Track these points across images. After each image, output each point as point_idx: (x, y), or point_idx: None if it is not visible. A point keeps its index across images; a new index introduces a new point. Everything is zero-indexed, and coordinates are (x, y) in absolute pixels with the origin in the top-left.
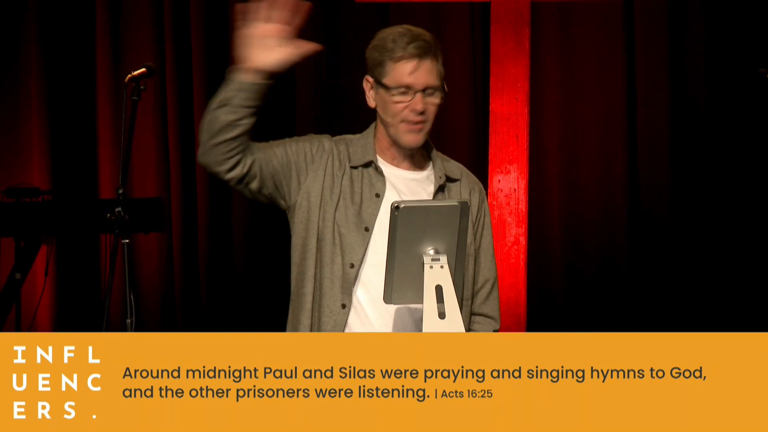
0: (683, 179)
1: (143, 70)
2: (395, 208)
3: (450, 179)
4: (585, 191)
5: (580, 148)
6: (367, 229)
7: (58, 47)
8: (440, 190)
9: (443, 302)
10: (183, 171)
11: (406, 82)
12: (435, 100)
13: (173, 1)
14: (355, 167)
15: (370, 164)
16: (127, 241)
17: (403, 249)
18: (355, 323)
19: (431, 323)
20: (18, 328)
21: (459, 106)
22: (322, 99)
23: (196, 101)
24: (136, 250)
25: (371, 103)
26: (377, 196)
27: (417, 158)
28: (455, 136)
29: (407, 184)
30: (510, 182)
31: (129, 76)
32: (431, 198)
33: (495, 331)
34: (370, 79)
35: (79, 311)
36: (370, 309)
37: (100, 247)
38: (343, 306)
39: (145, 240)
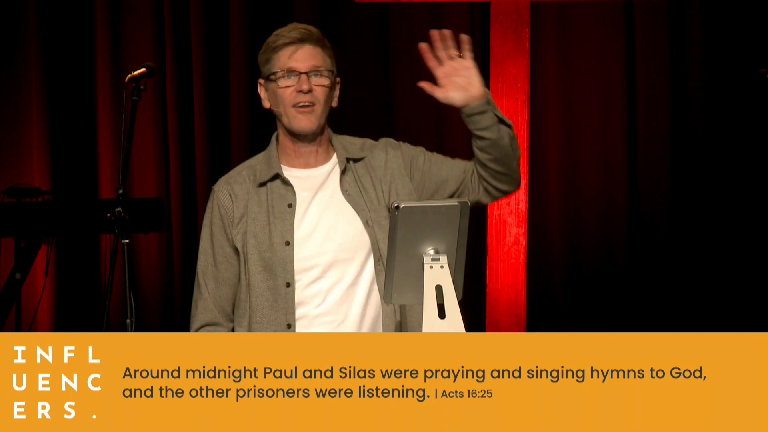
0: (683, 179)
1: (143, 70)
2: (395, 208)
3: (354, 160)
4: (585, 191)
5: (580, 148)
6: (288, 243)
7: (58, 47)
8: (344, 173)
9: (443, 302)
10: (183, 171)
11: (289, 65)
12: (323, 81)
13: (173, 0)
14: (263, 184)
15: (276, 177)
16: (127, 241)
17: (403, 249)
18: None
19: (431, 323)
20: (18, 328)
21: None
22: None
23: (196, 101)
24: (136, 250)
25: (266, 104)
26: (290, 206)
27: (322, 152)
28: (455, 137)
29: (315, 183)
30: None
31: (129, 76)
32: (341, 187)
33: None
34: (261, 81)
35: (79, 311)
36: (317, 322)
37: (100, 247)
38: (288, 326)
39: (145, 240)
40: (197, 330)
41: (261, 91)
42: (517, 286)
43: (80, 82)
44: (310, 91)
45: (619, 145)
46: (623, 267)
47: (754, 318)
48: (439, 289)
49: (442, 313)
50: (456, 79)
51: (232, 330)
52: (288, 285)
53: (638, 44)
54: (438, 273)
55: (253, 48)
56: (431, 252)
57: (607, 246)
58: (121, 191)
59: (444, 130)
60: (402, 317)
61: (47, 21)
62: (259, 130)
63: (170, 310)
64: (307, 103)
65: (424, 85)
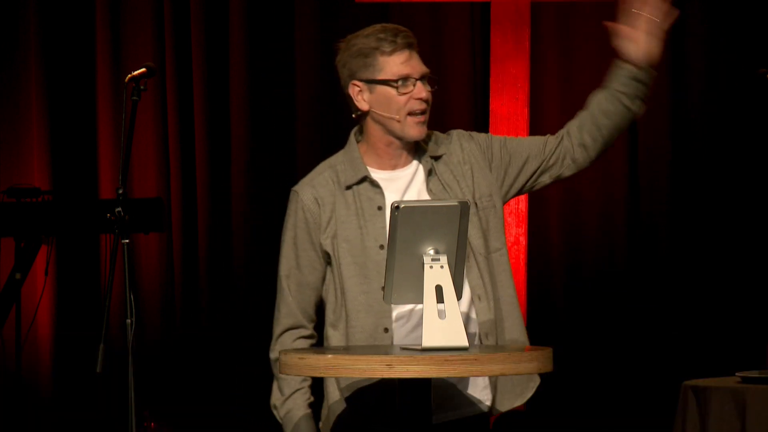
0: (683, 178)
1: (143, 70)
2: (395, 208)
3: (435, 158)
4: (585, 191)
5: None
6: (382, 247)
7: (58, 47)
8: (430, 174)
9: (443, 302)
10: (183, 171)
11: (405, 72)
12: (430, 87)
13: (173, 0)
14: (350, 187)
15: (364, 179)
16: (127, 241)
17: (403, 249)
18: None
19: (431, 323)
20: (18, 328)
21: (459, 106)
22: (321, 97)
23: (196, 101)
24: (136, 250)
25: (364, 106)
26: (379, 209)
27: (408, 151)
28: None
29: (401, 184)
30: None
31: (129, 76)
32: (426, 187)
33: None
34: (359, 83)
35: (79, 311)
36: (413, 324)
37: (100, 247)
38: (386, 330)
39: (145, 240)
40: (281, 333)
41: (356, 92)
42: (517, 286)
43: (80, 82)
44: (427, 99)
45: (618, 145)
46: (623, 267)
47: (754, 318)
48: (439, 289)
49: (442, 314)
50: (642, 35)
51: (314, 330)
52: (383, 289)
53: None
54: (438, 273)
55: (253, 48)
56: (431, 252)
57: (607, 246)
58: (121, 191)
59: (443, 129)
60: (497, 313)
61: (47, 21)
62: (259, 130)
63: (170, 310)
64: (423, 111)
65: (610, 24)
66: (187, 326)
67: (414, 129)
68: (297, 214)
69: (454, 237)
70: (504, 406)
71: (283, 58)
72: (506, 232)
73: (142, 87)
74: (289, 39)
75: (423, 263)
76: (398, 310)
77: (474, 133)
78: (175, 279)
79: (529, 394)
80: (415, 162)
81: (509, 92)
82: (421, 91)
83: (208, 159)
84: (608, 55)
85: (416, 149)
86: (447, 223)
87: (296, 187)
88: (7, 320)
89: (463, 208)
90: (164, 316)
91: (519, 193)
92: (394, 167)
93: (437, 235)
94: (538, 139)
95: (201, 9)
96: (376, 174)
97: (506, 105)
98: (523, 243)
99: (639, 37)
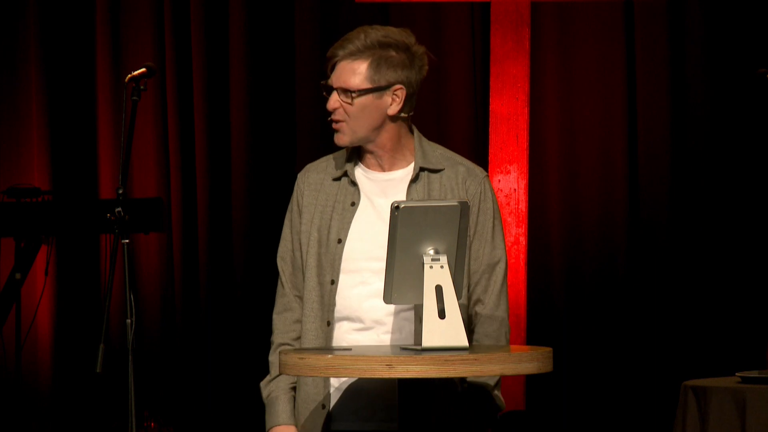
0: (683, 179)
1: (143, 70)
2: (395, 208)
3: (431, 170)
4: (585, 191)
5: (580, 148)
6: (339, 241)
7: (58, 47)
8: (414, 181)
9: (443, 302)
10: (183, 171)
11: (328, 80)
12: (347, 100)
13: (173, 1)
14: (337, 179)
15: (345, 175)
16: (127, 241)
17: (403, 249)
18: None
19: (431, 323)
20: (18, 328)
21: (459, 106)
22: (321, 97)
23: (196, 101)
24: (136, 250)
25: None
26: (352, 204)
27: (399, 156)
28: (455, 136)
29: (381, 186)
30: (510, 182)
31: (129, 76)
32: (405, 194)
33: (506, 333)
34: None
35: (79, 311)
36: (356, 325)
37: (100, 247)
38: (328, 324)
39: (145, 240)
40: (277, 315)
41: None
42: (517, 286)
43: (80, 82)
44: (333, 110)
45: (619, 145)
46: (623, 267)
47: (754, 318)
48: (439, 289)
49: (442, 314)
50: None
51: None
52: (332, 282)
53: (638, 44)
54: (438, 273)
55: (253, 48)
56: (431, 252)
57: (607, 246)
58: (121, 191)
59: (443, 129)
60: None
61: (47, 22)
62: (259, 130)
63: (170, 310)
64: (334, 120)
65: None
66: (188, 326)
67: (334, 135)
68: (293, 198)
69: (454, 237)
70: None
71: (283, 59)
72: (506, 232)
73: (142, 87)
74: (289, 39)
75: (423, 263)
76: (341, 309)
77: (487, 189)
78: (175, 279)
79: None
80: (408, 168)
81: (509, 92)
82: (329, 101)
83: (208, 159)
84: (608, 55)
85: (415, 157)
86: (447, 223)
87: (302, 171)
88: (7, 320)
89: (463, 208)
90: (164, 316)
91: None
92: (380, 168)
93: (437, 235)
94: (476, 261)
95: (201, 9)
96: (362, 172)
97: (506, 105)
98: (523, 243)
99: None
